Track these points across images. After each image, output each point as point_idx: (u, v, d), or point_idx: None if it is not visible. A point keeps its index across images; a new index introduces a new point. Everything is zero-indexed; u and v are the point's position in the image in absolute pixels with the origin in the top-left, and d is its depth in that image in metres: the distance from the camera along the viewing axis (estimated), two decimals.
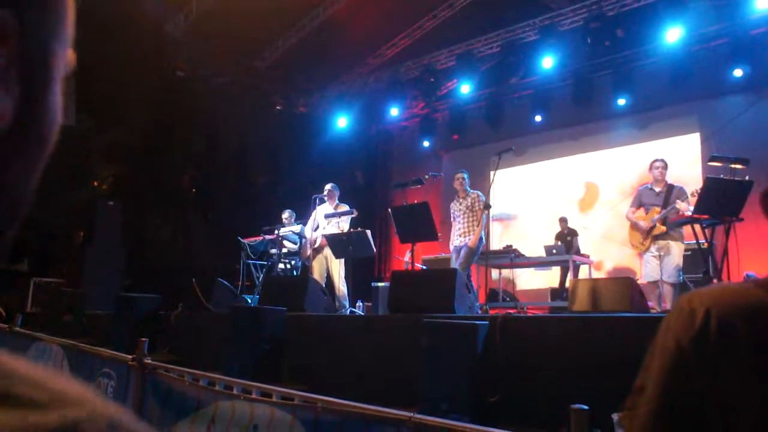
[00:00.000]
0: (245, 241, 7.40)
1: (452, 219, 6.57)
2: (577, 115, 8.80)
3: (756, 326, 0.82)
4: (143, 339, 3.33)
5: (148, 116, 8.77)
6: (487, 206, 6.18)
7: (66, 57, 0.42)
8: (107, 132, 9.13)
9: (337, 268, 6.45)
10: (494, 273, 7.89)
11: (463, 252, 6.18)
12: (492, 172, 6.40)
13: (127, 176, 9.54)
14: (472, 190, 6.48)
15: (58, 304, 6.39)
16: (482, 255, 6.38)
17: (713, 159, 4.99)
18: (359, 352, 4.16)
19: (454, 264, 6.50)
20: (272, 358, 4.31)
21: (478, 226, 6.21)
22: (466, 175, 6.50)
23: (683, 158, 8.00)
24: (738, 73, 7.22)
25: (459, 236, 6.35)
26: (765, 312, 0.82)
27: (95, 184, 9.87)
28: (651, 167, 5.75)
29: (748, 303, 0.84)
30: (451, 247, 6.52)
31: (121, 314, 5.31)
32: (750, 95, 7.64)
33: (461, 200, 6.43)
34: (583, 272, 7.65)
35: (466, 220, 6.31)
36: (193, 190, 10.47)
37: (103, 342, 4.88)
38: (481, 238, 6.24)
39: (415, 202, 5.27)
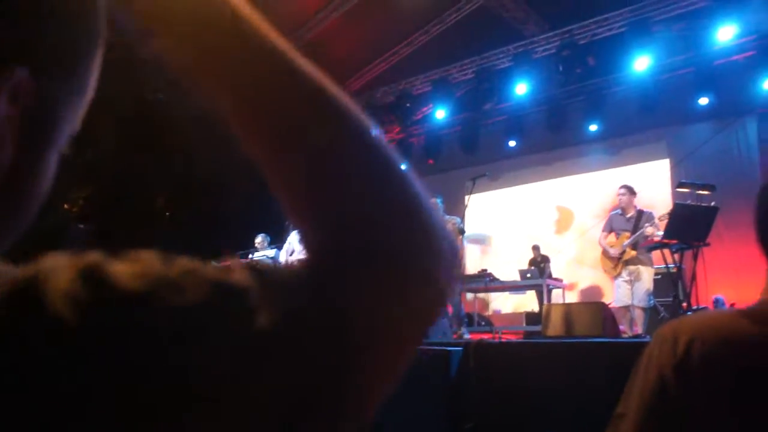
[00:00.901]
0: (219, 266, 7.31)
1: None
2: (551, 141, 8.94)
3: (739, 356, 0.84)
4: None
5: (123, 138, 8.67)
6: (462, 232, 6.21)
7: (75, 124, 0.42)
8: (80, 153, 8.98)
9: None
10: (469, 296, 7.91)
11: None
12: (467, 197, 6.46)
13: (100, 199, 9.38)
14: (448, 216, 6.48)
15: None
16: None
17: (681, 185, 5.11)
18: None
19: None
20: None
21: (460, 250, 6.24)
22: (440, 201, 6.50)
23: (654, 183, 8.16)
24: (704, 101, 7.43)
25: None
26: (749, 342, 0.84)
27: (66, 206, 9.68)
28: (617, 194, 5.88)
29: (732, 333, 0.86)
30: None
31: None
32: (715, 123, 7.86)
33: None
34: (557, 295, 7.71)
35: None
36: (167, 213, 10.33)
37: None
38: None
39: None
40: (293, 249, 6.72)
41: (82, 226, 8.09)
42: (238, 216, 9.40)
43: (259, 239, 7.49)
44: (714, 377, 0.83)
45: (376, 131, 0.39)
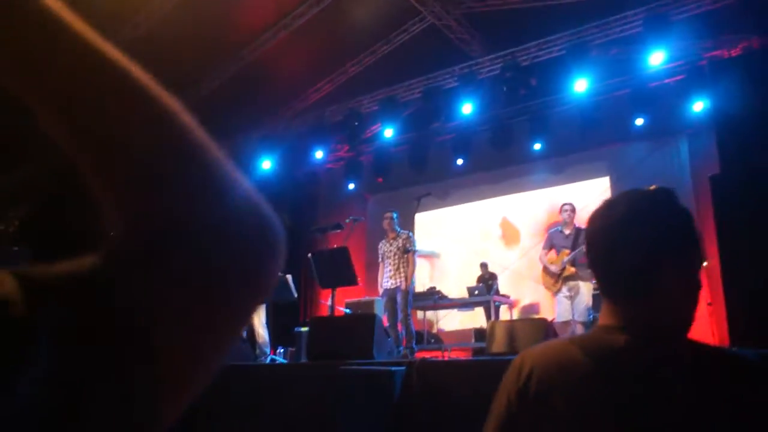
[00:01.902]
0: None
1: (380, 260, 6.50)
2: (497, 159, 9.13)
3: (566, 379, 0.98)
4: None
5: (59, 158, 8.39)
6: (413, 249, 6.19)
7: None
8: (15, 172, 8.62)
9: (258, 314, 6.29)
10: (419, 314, 7.95)
11: (400, 298, 6.05)
12: (415, 214, 6.50)
13: (37, 219, 9.01)
14: (402, 231, 6.44)
15: None
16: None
17: None
18: (278, 403, 4.04)
19: (382, 306, 6.44)
20: (185, 417, 4.11)
21: (408, 268, 6.16)
22: (395, 215, 6.46)
23: (596, 200, 8.40)
24: (639, 121, 7.75)
25: (389, 278, 6.24)
26: (574, 366, 0.98)
27: (1, 228, 9.25)
28: (560, 210, 6.03)
29: (562, 359, 1.00)
30: (381, 289, 6.41)
31: None
32: (651, 142, 8.21)
33: (391, 241, 6.36)
34: (505, 311, 7.83)
35: (396, 261, 6.22)
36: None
37: None
38: (413, 281, 6.20)
39: (335, 247, 5.25)
40: None
41: (16, 248, 7.71)
42: None
43: None
44: (546, 401, 0.96)
45: (200, 134, 0.40)
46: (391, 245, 6.33)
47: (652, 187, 1.05)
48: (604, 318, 1.03)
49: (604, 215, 1.05)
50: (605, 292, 1.04)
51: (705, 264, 7.27)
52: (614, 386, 0.92)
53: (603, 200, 1.11)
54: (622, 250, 0.99)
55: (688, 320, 0.99)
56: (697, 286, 0.99)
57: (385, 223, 6.44)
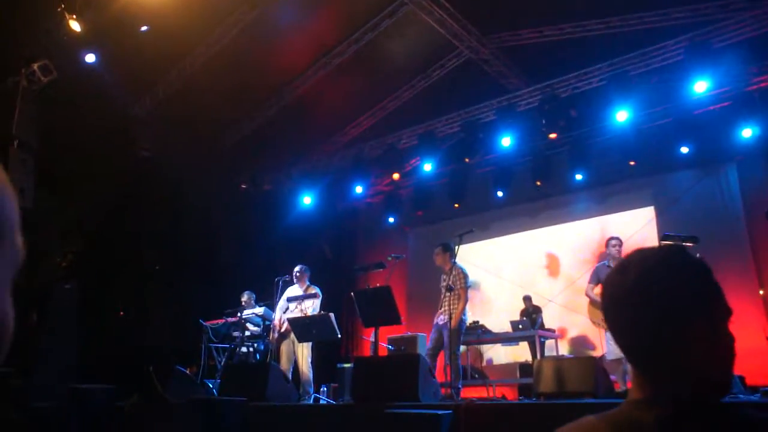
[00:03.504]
0: (207, 324, 7.23)
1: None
2: (538, 190, 9.01)
3: None
4: None
5: (111, 194, 8.71)
6: (456, 286, 6.02)
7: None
8: (69, 210, 8.99)
9: (304, 352, 6.29)
10: (462, 348, 7.82)
11: (446, 335, 5.77)
12: (456, 247, 6.37)
13: (88, 254, 9.32)
14: (456, 264, 6.13)
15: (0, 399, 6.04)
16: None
17: (665, 238, 5.15)
18: None
19: (428, 340, 6.28)
20: None
21: (459, 304, 5.91)
22: (451, 245, 6.16)
23: (640, 231, 8.23)
24: (685, 150, 7.55)
25: (441, 313, 6.04)
26: None
27: (57, 260, 9.58)
28: (607, 245, 5.89)
29: None
30: (434, 320, 6.20)
31: (73, 409, 5.06)
32: (697, 170, 8.00)
33: (446, 276, 6.15)
34: (551, 345, 7.64)
35: (447, 296, 6.01)
36: (156, 267, 10.27)
37: None
38: (462, 320, 5.92)
39: (378, 285, 5.24)
40: (287, 306, 6.60)
41: (68, 286, 7.98)
42: (229, 272, 9.36)
43: (245, 297, 7.42)
44: None
45: None
46: (444, 281, 6.10)
47: (664, 243, 1.02)
48: (633, 391, 0.97)
49: (616, 281, 0.99)
50: (631, 361, 0.98)
51: (761, 293, 7.01)
52: None
53: (615, 264, 1.05)
54: (638, 314, 0.94)
55: (723, 382, 0.92)
56: (729, 340, 0.93)
57: (436, 259, 6.24)
